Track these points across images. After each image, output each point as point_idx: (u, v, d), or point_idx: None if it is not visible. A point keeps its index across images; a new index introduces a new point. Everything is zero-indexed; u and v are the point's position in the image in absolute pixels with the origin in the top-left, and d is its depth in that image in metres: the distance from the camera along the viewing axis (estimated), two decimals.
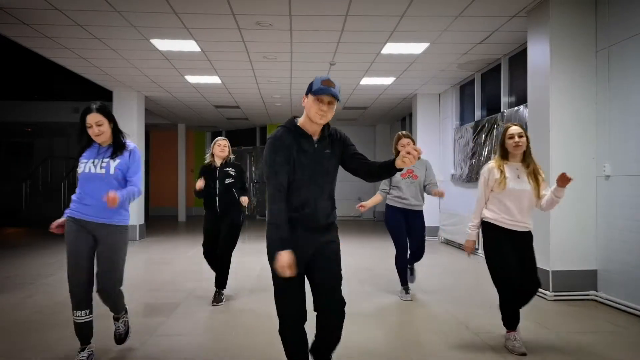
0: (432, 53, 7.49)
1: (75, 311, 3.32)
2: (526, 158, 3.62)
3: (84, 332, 3.36)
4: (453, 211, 9.53)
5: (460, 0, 5.45)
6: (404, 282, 5.26)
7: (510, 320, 3.69)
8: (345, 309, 2.75)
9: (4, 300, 5.30)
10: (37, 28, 6.34)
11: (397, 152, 4.91)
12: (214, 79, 9.28)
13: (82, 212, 3.32)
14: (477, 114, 8.92)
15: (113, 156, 3.35)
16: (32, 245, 9.86)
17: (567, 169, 5.16)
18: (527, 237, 3.65)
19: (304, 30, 6.45)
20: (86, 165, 3.33)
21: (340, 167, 2.83)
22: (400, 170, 2.61)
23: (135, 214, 10.46)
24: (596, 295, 5.14)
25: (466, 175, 8.94)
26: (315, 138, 2.68)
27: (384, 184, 5.26)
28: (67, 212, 3.39)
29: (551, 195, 3.54)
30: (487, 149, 8.15)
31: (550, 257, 5.21)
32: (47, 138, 19.14)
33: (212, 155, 5.18)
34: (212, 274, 5.35)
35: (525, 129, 3.63)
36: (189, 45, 7.08)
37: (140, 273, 7.09)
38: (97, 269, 3.35)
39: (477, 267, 7.35)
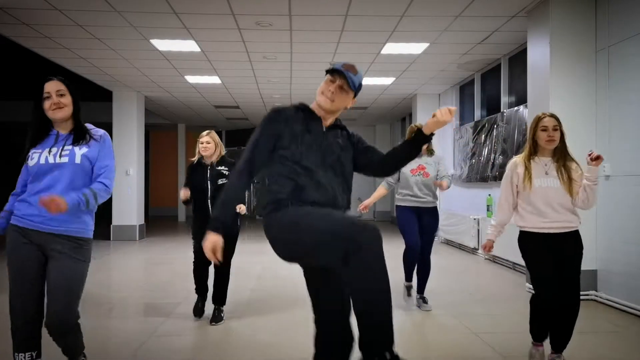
0: (432, 53, 7.49)
1: (17, 354, 2.51)
2: (556, 152, 3.18)
3: None
4: (453, 211, 9.53)
5: (460, 0, 5.44)
6: (409, 278, 4.99)
7: (539, 331, 3.26)
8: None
9: (4, 300, 5.29)
10: (37, 28, 6.34)
11: None
12: (214, 79, 9.28)
13: (28, 217, 2.53)
14: (477, 114, 8.92)
15: (76, 143, 2.60)
16: None
17: None
18: (570, 238, 3.17)
19: (304, 30, 6.45)
20: (41, 156, 2.55)
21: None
22: (431, 137, 2.38)
23: (135, 214, 10.47)
24: (596, 295, 5.14)
25: (466, 176, 8.94)
26: (325, 123, 2.39)
27: (388, 177, 4.85)
28: (3, 219, 2.64)
29: (584, 182, 3.11)
30: (487, 149, 8.14)
31: None
32: None
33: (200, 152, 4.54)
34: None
35: (559, 121, 3.21)
36: (189, 45, 7.08)
37: (140, 273, 7.09)
38: (47, 296, 2.54)
39: (478, 267, 7.35)
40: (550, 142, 3.16)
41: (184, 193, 4.51)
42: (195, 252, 4.52)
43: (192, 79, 9.25)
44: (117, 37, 6.74)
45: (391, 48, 7.21)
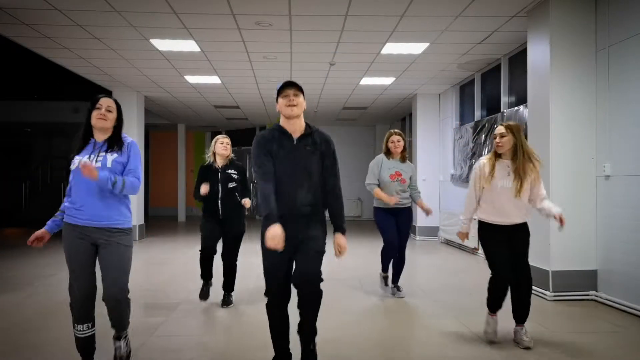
0: (432, 53, 7.49)
1: (76, 325, 3.09)
2: (513, 155, 3.72)
3: (86, 347, 3.13)
4: (453, 211, 9.53)
5: (460, 0, 5.44)
6: (385, 270, 5.46)
7: (495, 302, 3.83)
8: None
9: (4, 300, 5.30)
10: (37, 28, 6.34)
11: (387, 149, 5.26)
12: (214, 79, 9.28)
13: (78, 217, 3.05)
14: (477, 114, 8.92)
15: (109, 150, 3.10)
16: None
17: (567, 169, 5.20)
18: (520, 228, 3.80)
19: (304, 30, 6.45)
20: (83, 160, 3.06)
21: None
22: None
23: (135, 214, 10.45)
24: (596, 295, 5.14)
25: (466, 175, 8.94)
26: (295, 136, 3.04)
27: (371, 180, 5.27)
28: (58, 218, 3.17)
29: (545, 212, 3.79)
30: (487, 149, 8.14)
31: (550, 257, 5.21)
32: (47, 138, 19.13)
33: (214, 154, 4.96)
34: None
35: (512, 127, 3.72)
36: (189, 46, 7.08)
37: (140, 273, 7.09)
38: (102, 276, 3.08)
39: (477, 267, 7.35)
40: (499, 147, 3.76)
41: (204, 188, 4.79)
42: (202, 246, 4.96)
43: (192, 79, 9.25)
44: (117, 37, 6.74)
45: (391, 48, 7.21)
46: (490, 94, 8.56)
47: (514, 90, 7.67)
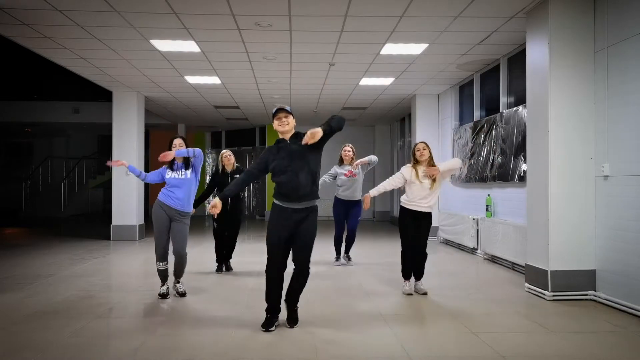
0: (431, 54, 7.51)
1: (158, 262, 5.26)
2: (427, 164, 5.36)
3: (164, 274, 5.31)
4: (452, 211, 9.55)
5: (459, 1, 5.46)
6: (338, 254, 7.42)
7: (405, 272, 5.52)
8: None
9: (4, 300, 5.31)
10: (37, 28, 6.35)
11: (341, 159, 7.36)
12: (214, 80, 9.29)
13: (167, 201, 5.16)
14: (476, 114, 8.93)
15: (186, 168, 5.25)
16: (32, 245, 9.86)
17: (565, 169, 5.22)
18: (426, 216, 5.42)
19: (304, 31, 6.46)
20: (172, 174, 5.23)
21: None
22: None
23: (135, 214, 10.49)
24: (595, 295, 5.15)
25: (465, 176, 8.96)
26: (287, 140, 4.21)
27: (327, 175, 7.23)
28: (137, 170, 5.38)
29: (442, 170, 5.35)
30: (486, 150, 8.16)
31: (549, 257, 5.23)
32: (47, 138, 19.15)
33: (222, 164, 6.71)
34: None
35: (427, 145, 5.51)
36: (189, 46, 7.10)
37: (140, 273, 7.10)
38: (172, 239, 5.21)
39: (477, 267, 7.36)
40: (421, 156, 5.37)
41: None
42: (215, 232, 6.82)
43: (192, 79, 9.26)
44: (117, 37, 6.75)
45: (390, 48, 7.22)
46: (490, 94, 8.57)
47: (513, 91, 7.68)
